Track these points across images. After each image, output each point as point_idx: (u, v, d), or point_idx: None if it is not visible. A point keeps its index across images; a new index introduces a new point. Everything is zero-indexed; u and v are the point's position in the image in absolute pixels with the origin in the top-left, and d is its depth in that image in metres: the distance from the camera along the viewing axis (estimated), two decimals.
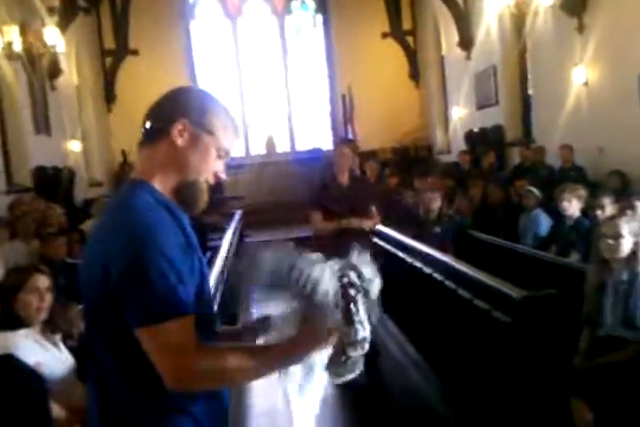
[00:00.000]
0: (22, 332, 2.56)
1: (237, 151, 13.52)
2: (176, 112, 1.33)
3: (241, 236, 7.77)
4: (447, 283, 3.47)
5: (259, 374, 1.24)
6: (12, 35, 6.28)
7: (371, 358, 4.63)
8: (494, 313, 2.78)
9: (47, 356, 2.60)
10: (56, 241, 4.72)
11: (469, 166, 8.66)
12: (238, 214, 8.18)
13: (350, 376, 1.27)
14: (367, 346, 1.25)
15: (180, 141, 1.32)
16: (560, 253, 4.64)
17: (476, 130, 10.18)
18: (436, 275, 3.71)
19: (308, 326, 1.24)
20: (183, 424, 1.26)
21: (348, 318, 1.21)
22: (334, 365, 1.24)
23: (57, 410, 2.47)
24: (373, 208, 4.36)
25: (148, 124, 1.35)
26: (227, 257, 5.01)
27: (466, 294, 3.13)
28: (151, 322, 1.16)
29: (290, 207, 11.56)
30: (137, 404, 1.24)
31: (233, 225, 7.01)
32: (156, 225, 1.22)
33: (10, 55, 6.24)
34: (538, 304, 2.56)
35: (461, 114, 11.06)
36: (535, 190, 5.60)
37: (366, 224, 4.22)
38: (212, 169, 1.37)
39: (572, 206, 4.69)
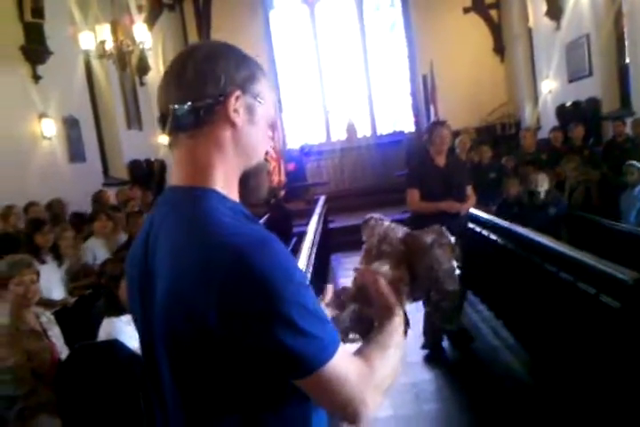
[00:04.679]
0: (125, 318, 2.67)
1: (318, 138, 13.58)
2: (223, 81, 1.00)
3: (325, 221, 7.78)
4: (546, 265, 3.30)
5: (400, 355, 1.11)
6: (104, 33, 6.54)
7: (464, 342, 4.55)
8: (602, 298, 2.60)
9: None
10: (139, 219, 4.88)
11: (561, 144, 8.20)
12: (322, 200, 8.17)
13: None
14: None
15: (238, 120, 1.02)
16: None
17: (568, 104, 9.63)
18: (533, 257, 3.53)
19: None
20: None
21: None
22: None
23: None
24: (469, 189, 4.33)
25: (184, 107, 0.99)
26: (313, 242, 5.02)
27: (569, 278, 2.95)
28: (314, 369, 0.94)
29: (372, 192, 11.51)
30: None
31: (317, 210, 7.01)
32: (266, 244, 0.93)
33: (102, 53, 6.50)
34: None
35: (552, 87, 10.49)
36: (639, 165, 5.24)
37: (464, 209, 4.19)
38: (267, 145, 1.10)
39: None
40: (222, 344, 0.93)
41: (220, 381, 0.97)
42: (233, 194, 1.04)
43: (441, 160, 4.28)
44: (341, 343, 0.99)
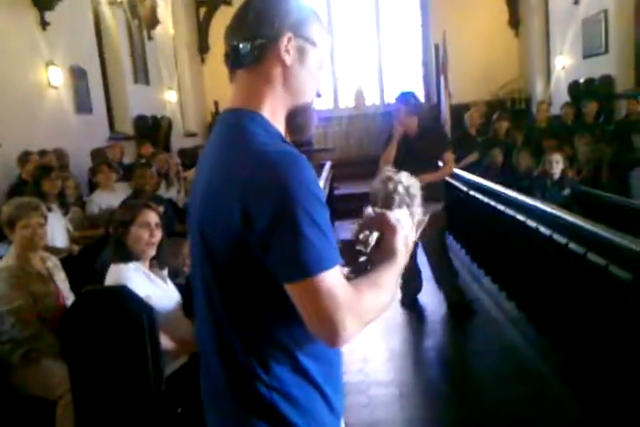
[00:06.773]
0: (133, 265, 2.65)
1: (325, 104, 13.38)
2: (277, 24, 1.12)
3: (331, 188, 7.74)
4: (556, 237, 3.28)
5: (393, 291, 1.14)
6: None
7: (464, 314, 4.61)
8: (612, 269, 2.59)
9: (156, 290, 2.68)
10: (146, 171, 4.86)
11: (573, 121, 8.10)
12: (328, 165, 8.11)
13: None
14: None
15: (288, 59, 1.13)
16: None
17: (581, 81, 9.49)
18: (542, 229, 3.51)
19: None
20: (311, 395, 1.12)
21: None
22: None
23: (165, 341, 2.57)
24: (448, 155, 4.50)
25: (242, 45, 1.13)
26: None
27: (579, 249, 2.93)
28: (306, 275, 0.99)
29: (378, 161, 11.43)
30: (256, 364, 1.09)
31: (324, 175, 6.96)
32: (297, 160, 1.02)
33: (113, 1, 6.34)
34: None
35: (565, 63, 10.32)
36: None
37: (430, 178, 4.17)
38: (318, 86, 1.20)
39: None
40: (241, 242, 1.02)
41: (244, 284, 1.06)
42: (278, 125, 1.15)
43: (410, 131, 4.47)
44: (339, 267, 1.03)
